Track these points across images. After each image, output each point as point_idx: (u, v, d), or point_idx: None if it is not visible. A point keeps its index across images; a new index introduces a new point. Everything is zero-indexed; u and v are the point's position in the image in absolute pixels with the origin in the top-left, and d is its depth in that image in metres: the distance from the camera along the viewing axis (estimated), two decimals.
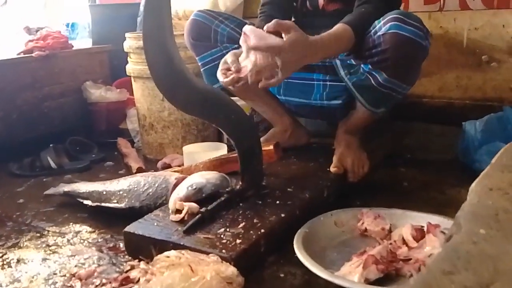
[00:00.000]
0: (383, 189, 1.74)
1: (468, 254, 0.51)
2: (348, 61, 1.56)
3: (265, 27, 1.30)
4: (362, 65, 1.51)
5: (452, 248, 0.53)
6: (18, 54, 2.34)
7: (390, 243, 1.23)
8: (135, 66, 2.16)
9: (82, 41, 2.81)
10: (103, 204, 1.56)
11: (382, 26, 1.42)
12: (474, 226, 0.58)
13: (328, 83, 1.67)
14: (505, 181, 0.70)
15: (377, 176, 1.81)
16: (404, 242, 1.24)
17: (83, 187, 1.67)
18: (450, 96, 2.06)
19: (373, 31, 1.45)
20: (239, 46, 1.37)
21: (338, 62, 1.59)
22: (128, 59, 2.21)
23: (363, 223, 1.35)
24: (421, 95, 2.09)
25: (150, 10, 1.19)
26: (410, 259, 1.17)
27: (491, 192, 0.67)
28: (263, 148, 1.60)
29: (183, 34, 1.78)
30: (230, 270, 1.08)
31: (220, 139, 2.15)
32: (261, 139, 1.70)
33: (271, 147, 1.62)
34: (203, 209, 1.32)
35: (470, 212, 0.61)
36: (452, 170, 1.88)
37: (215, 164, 1.66)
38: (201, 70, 1.75)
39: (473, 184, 0.72)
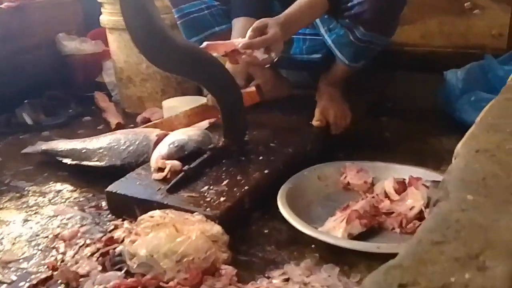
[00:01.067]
0: (365, 141, 1.75)
1: (458, 223, 0.51)
2: (326, 16, 1.52)
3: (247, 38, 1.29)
4: (340, 20, 1.47)
5: (441, 216, 0.53)
6: None
7: (373, 197, 1.24)
8: (110, 17, 2.08)
9: None
10: (83, 163, 1.53)
11: None
12: (461, 192, 0.57)
13: (307, 37, 1.64)
14: (491, 142, 0.69)
15: (359, 127, 1.80)
16: (387, 195, 1.25)
17: (62, 145, 1.64)
18: (432, 44, 2.03)
19: None
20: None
21: None
22: (102, 9, 2.12)
23: (346, 177, 1.35)
24: (404, 42, 2.07)
25: None
26: (393, 212, 1.19)
27: (478, 154, 0.66)
28: (245, 91, 1.60)
29: None
30: (215, 228, 1.08)
31: (200, 92, 2.11)
32: (243, 91, 1.67)
33: (253, 88, 1.63)
34: (186, 167, 1.31)
35: (457, 177, 0.61)
36: (434, 119, 1.89)
37: (196, 112, 1.64)
38: (178, 22, 1.69)
39: (459, 146, 0.72)
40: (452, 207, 0.54)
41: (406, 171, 1.32)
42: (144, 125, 1.73)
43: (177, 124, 1.64)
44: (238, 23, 1.52)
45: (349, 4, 1.42)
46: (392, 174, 1.32)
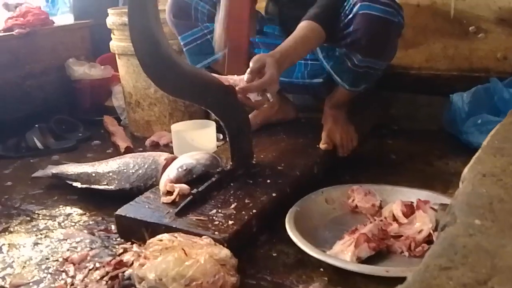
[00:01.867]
0: (371, 162, 1.76)
1: (465, 248, 0.52)
2: (325, 44, 1.55)
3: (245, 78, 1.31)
4: (337, 47, 1.50)
5: (448, 242, 0.53)
6: None
7: (381, 220, 1.25)
8: (119, 43, 2.12)
9: (63, 17, 2.74)
10: (92, 186, 1.55)
11: (353, 7, 1.42)
12: (468, 217, 0.58)
13: (309, 62, 1.67)
14: (498, 166, 0.70)
15: (365, 149, 1.82)
16: (395, 218, 1.25)
17: (71, 168, 1.66)
18: (437, 67, 2.05)
19: (343, 13, 1.45)
20: None
21: None
22: (112, 35, 2.16)
23: (353, 200, 1.36)
24: (408, 65, 2.08)
25: None
26: (401, 235, 1.19)
27: (484, 179, 0.67)
28: None
29: (164, 10, 1.75)
30: (224, 252, 1.09)
31: (207, 116, 2.13)
32: (250, 116, 1.69)
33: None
34: (194, 191, 1.32)
35: (464, 202, 0.62)
36: (439, 141, 1.90)
37: None
38: (184, 49, 1.73)
39: (465, 170, 0.73)
40: (459, 232, 0.55)
41: (413, 194, 1.33)
42: None
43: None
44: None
45: (345, 32, 1.45)
46: (399, 197, 1.32)
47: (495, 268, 0.48)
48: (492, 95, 1.79)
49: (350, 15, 1.42)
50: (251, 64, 1.31)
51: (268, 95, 1.32)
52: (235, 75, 1.35)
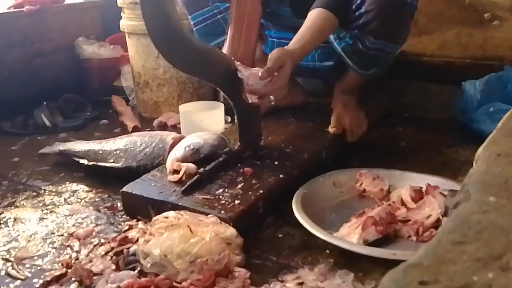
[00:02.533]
0: (380, 149, 1.74)
1: (479, 224, 0.50)
2: None
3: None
4: (349, 29, 1.48)
5: (462, 217, 0.52)
6: (8, 8, 2.27)
7: (389, 204, 1.23)
8: (129, 21, 2.10)
9: None
10: (99, 164, 1.54)
11: None
12: (483, 194, 0.56)
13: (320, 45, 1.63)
14: None
15: (374, 136, 1.80)
16: (403, 203, 1.24)
17: (78, 146, 1.65)
18: (450, 54, 2.02)
19: None
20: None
21: None
22: (122, 14, 2.14)
23: (361, 184, 1.34)
24: (421, 53, 2.06)
25: None
26: (409, 220, 1.18)
27: (500, 158, 0.65)
28: None
29: None
30: (229, 231, 1.08)
31: (216, 98, 2.12)
32: None
33: None
34: (201, 170, 1.31)
35: (479, 180, 0.60)
36: (450, 129, 1.87)
37: None
38: (193, 29, 1.71)
39: (480, 150, 0.71)
40: (473, 209, 0.54)
41: (422, 180, 1.31)
42: None
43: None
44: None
45: (356, 14, 1.42)
46: (408, 182, 1.31)
47: (510, 243, 0.47)
48: (505, 84, 1.77)
49: None
50: (269, 62, 1.27)
51: (272, 97, 1.29)
52: (245, 68, 1.31)
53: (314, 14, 1.41)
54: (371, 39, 1.44)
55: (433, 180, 1.30)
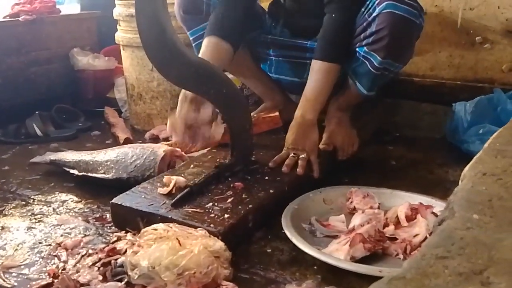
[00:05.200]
0: (371, 166, 1.75)
1: (462, 240, 0.51)
2: None
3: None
4: (357, 48, 1.49)
5: (446, 233, 0.53)
6: (4, 17, 2.28)
7: (378, 221, 1.24)
8: (124, 34, 2.11)
9: (70, 6, 2.74)
10: (90, 174, 1.54)
11: (377, 6, 1.41)
12: (467, 212, 0.57)
13: None
14: (499, 167, 0.70)
15: (365, 153, 1.81)
16: (397, 220, 1.24)
17: (69, 156, 1.65)
18: (441, 76, 2.05)
19: (367, 11, 1.44)
20: None
21: None
22: (118, 26, 2.16)
23: (351, 201, 1.35)
24: (413, 73, 2.09)
25: None
26: (397, 238, 1.19)
27: (485, 177, 0.66)
28: (268, 115, 1.68)
29: (173, 3, 1.74)
30: (218, 244, 1.08)
31: None
32: (252, 113, 1.69)
33: (277, 113, 1.70)
34: (191, 183, 1.32)
35: (464, 198, 0.61)
36: (440, 149, 1.89)
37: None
38: (193, 44, 1.71)
39: (466, 169, 0.72)
40: (457, 225, 0.55)
41: (412, 199, 1.32)
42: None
43: (191, 146, 1.63)
44: (209, 41, 1.52)
45: (367, 31, 1.44)
46: (398, 201, 1.32)
47: (492, 259, 0.47)
48: (495, 106, 1.79)
49: (374, 14, 1.41)
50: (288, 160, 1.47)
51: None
52: None
53: (318, 69, 1.50)
54: (379, 59, 1.45)
55: (423, 199, 1.31)
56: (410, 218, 1.24)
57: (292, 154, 1.47)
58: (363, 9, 1.48)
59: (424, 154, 1.86)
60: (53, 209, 1.45)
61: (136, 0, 1.17)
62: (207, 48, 1.49)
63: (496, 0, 1.88)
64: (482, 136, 1.70)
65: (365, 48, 1.47)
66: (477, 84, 1.97)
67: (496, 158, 0.74)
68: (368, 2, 1.46)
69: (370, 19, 1.43)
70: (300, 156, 1.46)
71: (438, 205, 1.27)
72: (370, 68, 1.48)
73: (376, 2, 1.41)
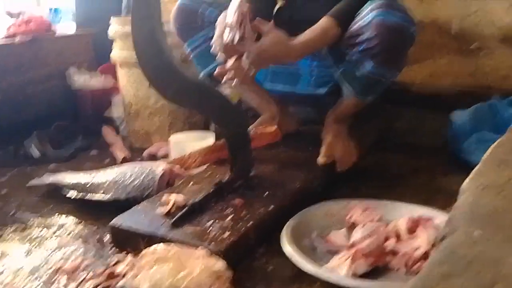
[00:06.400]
0: (372, 175, 1.74)
1: (467, 256, 0.50)
2: (335, 49, 1.54)
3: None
4: (350, 53, 1.49)
5: (450, 250, 0.52)
6: (1, 38, 2.28)
7: (379, 235, 1.22)
8: (120, 52, 2.11)
9: (66, 26, 2.74)
10: (88, 196, 1.53)
11: (369, 12, 1.41)
12: (470, 226, 0.56)
13: (315, 69, 1.65)
14: (500, 178, 0.69)
15: (367, 162, 1.79)
16: (399, 233, 1.23)
17: (68, 177, 1.64)
18: (441, 83, 2.05)
19: (360, 18, 1.44)
20: None
21: (326, 50, 1.57)
22: (113, 45, 2.16)
23: (351, 216, 1.33)
24: (412, 81, 2.08)
25: (139, 2, 1.15)
26: (399, 252, 1.17)
27: (486, 190, 0.65)
28: (267, 131, 1.66)
29: (168, 21, 1.74)
30: (219, 264, 1.07)
31: (207, 127, 2.11)
32: (250, 127, 1.68)
33: (276, 127, 1.68)
34: (191, 201, 1.30)
35: (466, 212, 0.60)
36: (441, 157, 1.87)
37: (212, 150, 1.64)
38: (191, 55, 1.71)
39: (465, 182, 0.71)
40: (461, 241, 0.53)
41: (412, 210, 1.30)
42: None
43: (191, 163, 1.63)
44: None
45: (360, 38, 1.43)
46: (398, 213, 1.30)
47: (499, 275, 0.46)
48: (494, 113, 1.78)
49: (367, 21, 1.41)
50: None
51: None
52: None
53: (323, 22, 1.46)
54: (372, 64, 1.44)
55: (423, 210, 1.30)
56: (411, 231, 1.23)
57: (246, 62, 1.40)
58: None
59: (426, 161, 1.85)
60: (53, 232, 1.43)
61: (133, 20, 1.17)
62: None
63: (492, 7, 1.88)
64: (481, 143, 1.69)
65: (358, 54, 1.46)
66: (476, 90, 1.96)
67: (499, 168, 0.73)
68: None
69: (363, 24, 1.43)
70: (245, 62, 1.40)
71: (440, 216, 1.25)
72: (363, 73, 1.48)
73: (369, 8, 1.41)
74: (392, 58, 1.46)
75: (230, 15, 1.39)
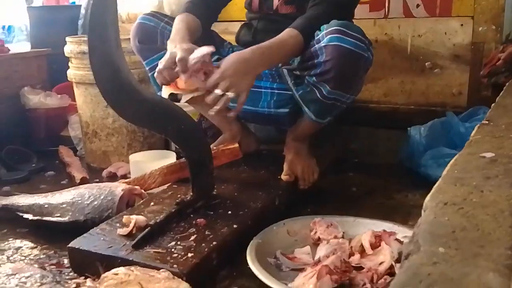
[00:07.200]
0: (333, 194, 1.76)
1: (430, 277, 0.51)
2: (295, 72, 1.56)
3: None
4: (306, 77, 1.50)
5: (412, 271, 0.53)
6: None
7: (344, 251, 1.23)
8: (76, 71, 2.07)
9: (19, 45, 2.68)
10: (44, 218, 1.48)
11: (324, 36, 1.41)
12: (432, 245, 0.57)
13: (275, 91, 1.66)
14: (458, 195, 0.71)
15: (326, 182, 1.82)
16: (362, 249, 1.24)
17: (22, 200, 1.59)
18: (395, 101, 2.10)
19: (315, 41, 1.45)
20: None
21: (285, 71, 1.58)
22: (69, 63, 2.12)
23: (315, 232, 1.34)
24: (367, 100, 2.13)
25: (95, 22, 1.13)
26: (363, 267, 1.18)
27: (446, 207, 0.67)
28: (228, 147, 1.64)
29: (127, 39, 1.73)
30: (182, 286, 1.05)
31: (167, 146, 2.10)
32: (211, 146, 1.68)
33: (237, 145, 1.66)
34: (151, 222, 1.28)
35: (427, 230, 0.61)
36: (398, 174, 1.92)
37: (172, 170, 1.62)
38: (149, 74, 1.70)
39: (427, 199, 0.72)
40: (423, 261, 0.54)
41: (374, 226, 1.32)
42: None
43: (151, 183, 1.61)
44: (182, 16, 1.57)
45: (315, 61, 1.44)
46: (361, 229, 1.32)
47: None
48: (448, 129, 1.83)
49: (321, 44, 1.41)
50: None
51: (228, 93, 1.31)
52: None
53: (284, 32, 1.46)
54: (328, 89, 1.45)
55: (385, 226, 1.32)
56: (374, 246, 1.24)
57: (219, 91, 1.31)
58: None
59: (383, 179, 1.89)
60: (7, 257, 1.38)
61: (89, 39, 1.15)
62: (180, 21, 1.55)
63: (443, 26, 1.95)
64: (438, 159, 1.75)
65: (314, 78, 1.47)
66: (429, 108, 2.02)
67: (455, 186, 0.75)
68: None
69: (317, 48, 1.43)
70: (228, 94, 1.31)
71: (401, 231, 1.28)
72: (319, 96, 1.48)
73: (324, 32, 1.42)
74: (347, 82, 1.47)
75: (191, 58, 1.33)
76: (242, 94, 1.34)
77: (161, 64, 1.35)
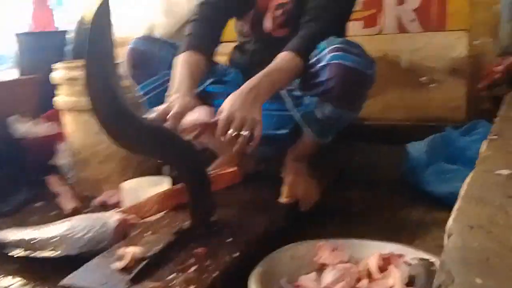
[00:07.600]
0: (335, 213, 1.71)
1: None
2: (294, 92, 1.52)
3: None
4: (309, 96, 1.47)
5: None
6: None
7: (351, 277, 1.18)
8: (66, 98, 2.02)
9: (7, 72, 2.62)
10: (35, 254, 1.41)
11: (327, 54, 1.38)
12: (467, 276, 0.52)
13: (274, 113, 1.61)
14: (483, 217, 0.66)
15: (328, 201, 1.76)
16: (369, 272, 1.19)
17: (12, 234, 1.51)
18: (394, 117, 2.08)
19: (317, 59, 1.42)
20: None
21: (284, 92, 1.54)
22: (57, 90, 2.06)
23: (320, 257, 1.28)
24: (366, 116, 2.10)
25: (93, 51, 1.09)
26: None
27: (473, 231, 0.62)
28: (226, 171, 1.59)
29: (118, 63, 1.68)
30: None
31: (160, 172, 2.03)
32: (208, 170, 1.63)
33: (235, 168, 1.62)
34: (149, 253, 1.22)
35: (458, 258, 0.56)
36: (400, 190, 1.87)
37: (170, 195, 1.56)
38: (144, 98, 1.66)
39: (450, 222, 0.68)
40: None
41: (381, 247, 1.27)
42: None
43: (147, 211, 1.54)
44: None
45: (317, 80, 1.41)
46: (367, 251, 1.26)
47: None
48: (448, 144, 1.81)
49: (323, 63, 1.38)
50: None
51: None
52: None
53: (280, 56, 1.41)
54: (330, 108, 1.42)
55: (393, 247, 1.26)
56: (382, 269, 1.19)
57: (231, 130, 1.25)
58: (313, 52, 1.44)
59: (385, 196, 1.85)
60: None
61: (87, 65, 1.11)
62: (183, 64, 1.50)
63: (439, 40, 1.93)
64: (439, 174, 1.71)
65: (316, 97, 1.44)
66: (428, 123, 1.99)
67: (478, 207, 0.71)
68: (318, 48, 1.44)
69: (319, 66, 1.40)
70: (242, 133, 1.26)
71: (409, 252, 1.23)
72: (322, 116, 1.46)
73: (326, 50, 1.39)
74: (351, 100, 1.45)
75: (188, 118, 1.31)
76: (257, 128, 1.28)
77: (155, 113, 1.32)
